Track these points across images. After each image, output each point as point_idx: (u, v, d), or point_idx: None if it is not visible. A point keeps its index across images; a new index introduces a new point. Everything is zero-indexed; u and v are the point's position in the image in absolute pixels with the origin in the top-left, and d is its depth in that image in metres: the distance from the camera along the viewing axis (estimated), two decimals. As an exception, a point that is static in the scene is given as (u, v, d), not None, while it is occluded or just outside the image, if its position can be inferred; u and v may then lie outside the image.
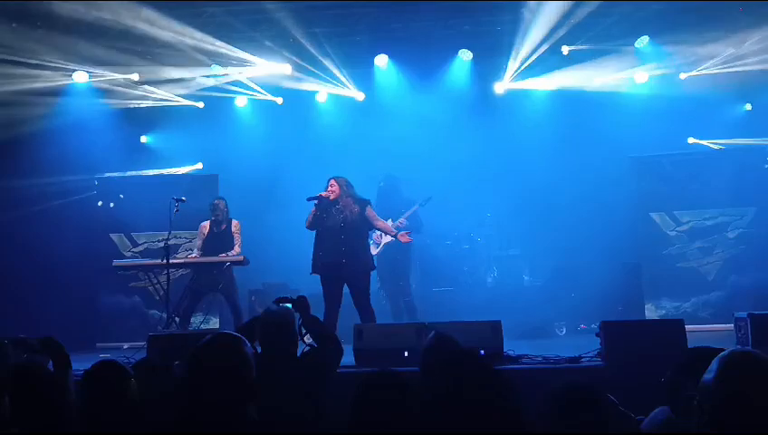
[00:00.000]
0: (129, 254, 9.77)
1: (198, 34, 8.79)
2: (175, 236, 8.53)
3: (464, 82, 10.14)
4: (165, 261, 7.34)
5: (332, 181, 6.79)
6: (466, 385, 2.41)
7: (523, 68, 9.79)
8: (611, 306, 8.57)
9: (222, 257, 7.68)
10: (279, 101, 10.63)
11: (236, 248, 7.78)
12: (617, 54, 9.57)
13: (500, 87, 10.24)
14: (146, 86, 9.96)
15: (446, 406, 2.38)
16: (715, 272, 9.14)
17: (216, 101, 10.48)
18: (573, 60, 9.65)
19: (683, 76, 9.74)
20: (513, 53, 9.55)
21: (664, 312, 9.01)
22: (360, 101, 10.54)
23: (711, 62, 9.43)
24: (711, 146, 10.05)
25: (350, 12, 9.03)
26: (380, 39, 9.76)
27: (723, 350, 2.17)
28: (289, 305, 4.14)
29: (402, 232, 7.11)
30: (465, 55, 10.00)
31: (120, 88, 9.85)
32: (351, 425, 2.51)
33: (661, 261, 9.26)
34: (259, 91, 10.48)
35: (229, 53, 9.32)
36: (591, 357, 5.52)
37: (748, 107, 10.05)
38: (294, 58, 9.75)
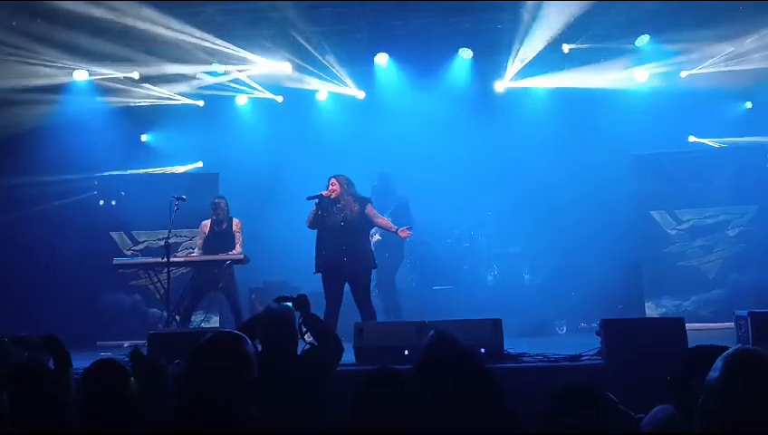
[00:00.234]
0: (129, 252, 9.77)
1: (198, 33, 8.79)
2: (175, 235, 8.53)
3: (464, 81, 10.15)
4: (165, 259, 7.34)
5: (333, 180, 6.80)
6: (465, 384, 2.41)
7: (523, 66, 9.79)
8: (612, 305, 8.58)
9: (222, 256, 7.68)
10: (279, 99, 10.63)
11: (238, 247, 7.78)
12: (617, 53, 9.58)
13: (500, 85, 10.23)
14: (146, 84, 9.97)
15: (444, 404, 2.38)
16: (716, 270, 9.13)
17: (217, 100, 10.48)
18: (574, 58, 9.66)
19: (683, 74, 9.74)
20: (514, 51, 9.55)
21: (664, 310, 9.00)
22: (361, 100, 10.54)
23: (711, 60, 9.42)
24: (712, 144, 10.04)
25: (350, 10, 9.02)
26: (381, 37, 9.77)
27: (727, 348, 2.15)
28: (289, 304, 4.14)
29: (402, 228, 7.11)
30: (466, 53, 10.00)
31: (120, 86, 9.85)
32: (352, 423, 2.51)
33: (662, 259, 9.25)
34: (259, 90, 10.48)
35: (229, 51, 9.33)
36: (592, 355, 5.51)
37: (749, 105, 10.04)
38: (294, 57, 9.75)
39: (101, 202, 9.95)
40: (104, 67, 9.50)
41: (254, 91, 10.50)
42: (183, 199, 7.54)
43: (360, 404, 2.52)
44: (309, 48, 9.40)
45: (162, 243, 7.53)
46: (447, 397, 2.40)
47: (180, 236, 9.41)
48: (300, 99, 10.48)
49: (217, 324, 9.27)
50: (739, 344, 4.45)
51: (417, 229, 8.12)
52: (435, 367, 2.57)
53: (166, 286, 7.34)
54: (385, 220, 7.11)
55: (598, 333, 5.55)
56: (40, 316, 8.12)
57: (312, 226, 6.78)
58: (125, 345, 7.85)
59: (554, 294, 8.90)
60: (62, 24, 8.39)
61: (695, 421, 2.07)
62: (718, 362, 1.99)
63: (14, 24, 8.24)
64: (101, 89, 9.79)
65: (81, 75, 9.51)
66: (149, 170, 10.52)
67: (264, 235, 9.22)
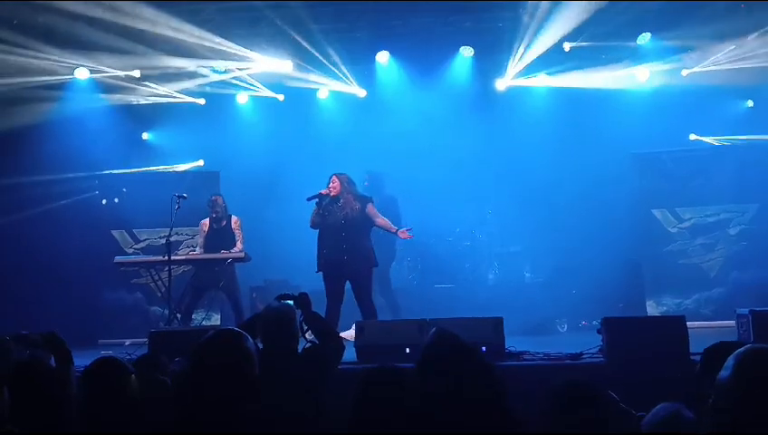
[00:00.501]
0: (130, 250, 9.77)
1: (199, 31, 8.78)
2: (176, 233, 8.52)
3: (465, 79, 10.13)
4: (167, 258, 7.34)
5: (334, 178, 6.81)
6: (467, 382, 2.41)
7: (524, 65, 9.78)
8: (613, 303, 8.57)
9: (223, 254, 7.69)
10: (280, 97, 10.62)
11: (239, 245, 7.78)
12: (618, 51, 9.57)
13: (501, 84, 10.22)
14: (147, 83, 9.96)
15: (446, 402, 2.38)
16: (717, 268, 9.12)
17: (218, 98, 10.47)
18: (575, 57, 9.63)
19: (685, 73, 9.72)
20: (515, 49, 9.54)
21: (665, 308, 8.99)
22: (362, 98, 10.53)
23: (713, 58, 9.40)
24: (713, 142, 10.03)
25: (350, 8, 9.01)
26: (381, 36, 9.75)
27: (741, 344, 2.11)
28: (290, 302, 4.15)
29: (403, 229, 7.11)
30: (467, 52, 9.98)
31: (121, 84, 9.85)
32: (352, 421, 2.51)
33: (663, 258, 9.24)
34: (260, 88, 10.47)
35: (230, 50, 9.31)
36: (593, 354, 5.51)
37: (750, 103, 10.03)
38: (295, 55, 9.74)
39: (104, 201, 9.95)
40: (105, 65, 9.48)
41: (255, 90, 10.50)
42: (184, 198, 7.54)
43: (360, 402, 2.52)
44: (310, 46, 9.39)
45: (163, 241, 7.54)
46: (448, 395, 2.40)
47: (181, 235, 9.41)
48: (301, 97, 10.48)
49: (218, 323, 9.27)
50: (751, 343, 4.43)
51: (415, 229, 8.11)
52: (436, 365, 2.57)
53: (167, 284, 7.34)
54: (385, 220, 7.12)
55: (599, 332, 5.55)
56: (41, 314, 8.12)
57: (314, 226, 6.81)
58: (126, 344, 7.87)
59: (555, 292, 8.90)
60: (62, 22, 8.36)
61: (704, 421, 2.04)
62: (729, 361, 1.95)
63: (14, 22, 8.23)
64: (102, 87, 9.79)
65: (82, 73, 9.50)
66: (151, 169, 10.52)
67: (266, 233, 9.23)
